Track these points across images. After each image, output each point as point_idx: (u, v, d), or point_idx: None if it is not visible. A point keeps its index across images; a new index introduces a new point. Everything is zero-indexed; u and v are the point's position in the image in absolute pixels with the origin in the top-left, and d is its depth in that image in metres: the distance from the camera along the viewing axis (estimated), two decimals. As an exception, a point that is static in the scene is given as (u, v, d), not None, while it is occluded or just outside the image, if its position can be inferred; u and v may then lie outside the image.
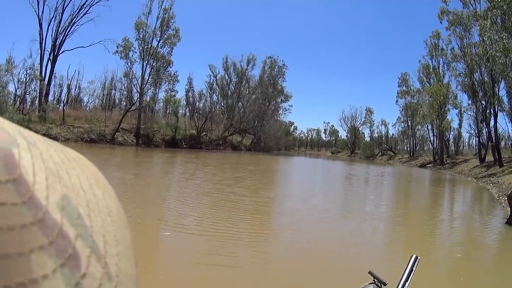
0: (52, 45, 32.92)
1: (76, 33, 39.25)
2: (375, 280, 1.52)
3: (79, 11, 33.63)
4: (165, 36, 37.52)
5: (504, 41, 18.30)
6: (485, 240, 7.17)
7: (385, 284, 1.49)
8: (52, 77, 34.50)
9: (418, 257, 1.39)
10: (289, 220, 7.24)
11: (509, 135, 28.73)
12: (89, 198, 0.22)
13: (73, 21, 33.74)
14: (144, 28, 36.33)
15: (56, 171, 0.20)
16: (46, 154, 0.21)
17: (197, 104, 46.45)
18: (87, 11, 34.03)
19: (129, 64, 36.30)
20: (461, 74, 29.99)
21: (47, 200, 0.18)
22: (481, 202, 14.17)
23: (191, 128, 41.38)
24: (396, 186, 18.78)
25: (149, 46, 36.66)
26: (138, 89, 36.80)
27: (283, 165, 29.09)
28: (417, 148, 52.19)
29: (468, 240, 6.98)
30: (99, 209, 0.22)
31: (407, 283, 1.29)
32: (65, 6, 33.11)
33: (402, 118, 53.51)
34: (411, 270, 1.34)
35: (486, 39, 21.15)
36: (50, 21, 32.75)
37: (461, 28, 28.44)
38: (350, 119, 72.63)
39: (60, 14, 33.07)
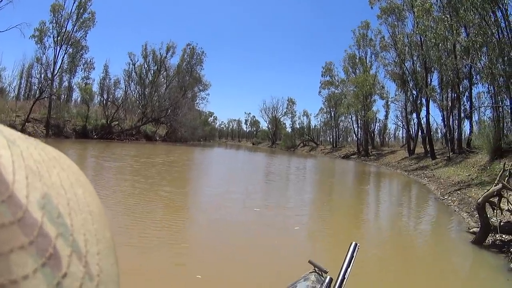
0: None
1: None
2: (316, 268, 1.47)
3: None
4: (81, 20, 35.29)
5: (446, 23, 16.96)
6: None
7: (325, 272, 1.44)
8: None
9: (358, 244, 1.27)
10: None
11: (438, 126, 28.71)
12: (70, 197, 0.21)
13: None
14: (60, 11, 33.75)
15: (37, 170, 0.20)
16: (26, 152, 0.20)
17: (113, 93, 43.98)
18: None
19: (42, 49, 33.94)
20: (390, 63, 29.29)
21: (27, 199, 0.18)
22: (428, 210, 10.25)
23: (103, 117, 38.93)
24: (310, 186, 14.86)
25: (64, 30, 34.26)
26: (50, 75, 34.21)
27: (183, 158, 22.94)
28: (341, 139, 52.22)
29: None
30: (79, 207, 0.21)
31: (348, 269, 1.21)
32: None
33: (325, 109, 53.36)
34: (352, 257, 1.24)
35: (422, 24, 19.86)
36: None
37: (393, 17, 27.54)
38: (271, 110, 72.07)
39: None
